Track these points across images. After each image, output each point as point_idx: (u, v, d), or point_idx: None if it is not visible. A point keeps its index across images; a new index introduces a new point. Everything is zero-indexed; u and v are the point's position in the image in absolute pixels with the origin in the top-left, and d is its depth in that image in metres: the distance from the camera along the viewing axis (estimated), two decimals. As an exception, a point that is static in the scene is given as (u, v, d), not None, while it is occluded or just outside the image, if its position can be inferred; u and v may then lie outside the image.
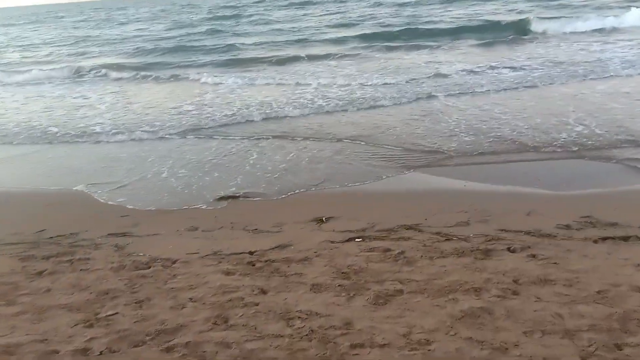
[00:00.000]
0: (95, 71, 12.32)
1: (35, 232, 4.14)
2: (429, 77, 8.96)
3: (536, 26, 13.77)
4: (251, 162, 5.55)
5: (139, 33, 22.78)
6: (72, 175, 5.53)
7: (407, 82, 8.69)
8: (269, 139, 6.31)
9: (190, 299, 2.89)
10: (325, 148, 5.81)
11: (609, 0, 18.91)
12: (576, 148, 5.20)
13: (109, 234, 4.07)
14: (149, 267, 3.38)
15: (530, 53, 10.68)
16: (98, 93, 10.15)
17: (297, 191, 4.76)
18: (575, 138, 5.44)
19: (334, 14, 26.31)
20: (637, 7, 13.75)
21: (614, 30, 12.62)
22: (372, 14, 23.48)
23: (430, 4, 27.52)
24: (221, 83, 9.93)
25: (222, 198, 4.67)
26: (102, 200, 4.78)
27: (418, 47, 12.46)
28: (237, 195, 4.73)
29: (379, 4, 29.67)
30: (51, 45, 20.97)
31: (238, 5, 42.69)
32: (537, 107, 6.71)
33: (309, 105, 7.59)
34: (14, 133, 7.35)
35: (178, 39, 19.02)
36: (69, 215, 4.51)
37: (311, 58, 11.98)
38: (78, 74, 12.28)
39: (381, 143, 5.76)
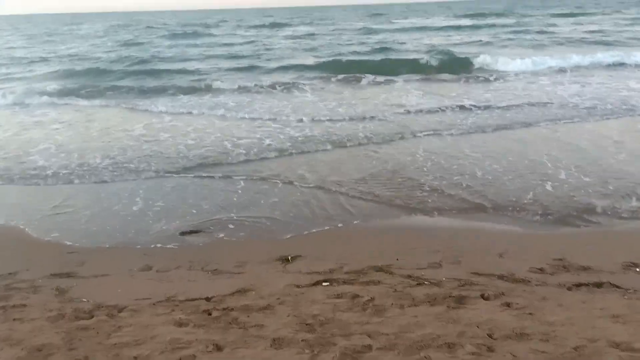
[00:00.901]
0: (39, 96, 11.26)
1: (-33, 272, 3.72)
2: (395, 113, 8.66)
3: (494, 62, 14.05)
4: (214, 198, 5.24)
5: (88, 53, 21.62)
6: (14, 209, 5.09)
7: (372, 118, 8.39)
8: (230, 177, 5.83)
9: (135, 357, 2.57)
10: (292, 189, 5.40)
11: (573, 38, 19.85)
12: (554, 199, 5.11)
13: (51, 274, 3.69)
14: (92, 317, 3.02)
15: (493, 90, 10.77)
16: (43, 121, 9.17)
17: (262, 226, 4.51)
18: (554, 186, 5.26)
19: (300, 37, 26.47)
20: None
21: (566, 69, 12.99)
22: (338, 41, 23.66)
23: (399, 32, 28.27)
24: (178, 112, 9.38)
25: (182, 233, 4.36)
26: (46, 236, 4.38)
27: (380, 81, 12.25)
28: (198, 230, 4.44)
29: (345, 30, 30.18)
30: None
31: (200, 24, 42.29)
32: (509, 149, 6.63)
33: (273, 141, 7.11)
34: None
35: (132, 60, 17.98)
36: (8, 251, 4.10)
37: (272, 87, 11.65)
38: (19, 100, 11.08)
39: (350, 187, 5.37)
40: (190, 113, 9.35)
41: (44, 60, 19.27)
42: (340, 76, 12.90)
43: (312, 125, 8.06)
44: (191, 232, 4.39)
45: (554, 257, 3.71)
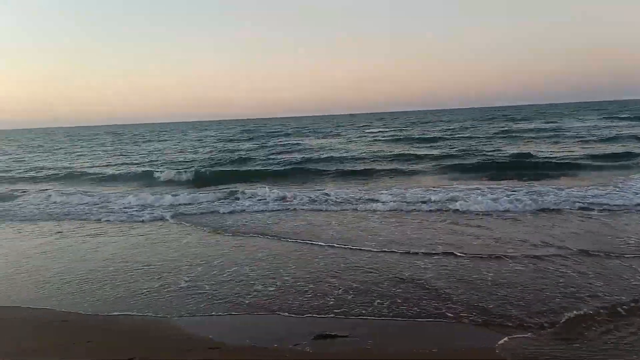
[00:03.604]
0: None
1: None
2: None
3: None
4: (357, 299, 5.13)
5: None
6: (157, 301, 5.35)
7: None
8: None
9: None
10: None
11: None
12: None
13: (195, 372, 3.66)
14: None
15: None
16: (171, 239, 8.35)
17: (406, 333, 4.21)
18: None
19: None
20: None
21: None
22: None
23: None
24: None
25: (317, 337, 4.20)
26: (194, 329, 4.49)
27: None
28: (334, 335, 4.25)
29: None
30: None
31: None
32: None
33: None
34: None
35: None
36: (157, 345, 4.18)
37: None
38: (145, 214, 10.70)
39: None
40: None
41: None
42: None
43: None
44: (327, 336, 4.22)
45: None
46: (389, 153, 21.90)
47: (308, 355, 3.94)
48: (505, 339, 4.05)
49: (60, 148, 39.77)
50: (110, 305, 5.20)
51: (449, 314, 4.58)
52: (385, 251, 6.79)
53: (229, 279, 5.91)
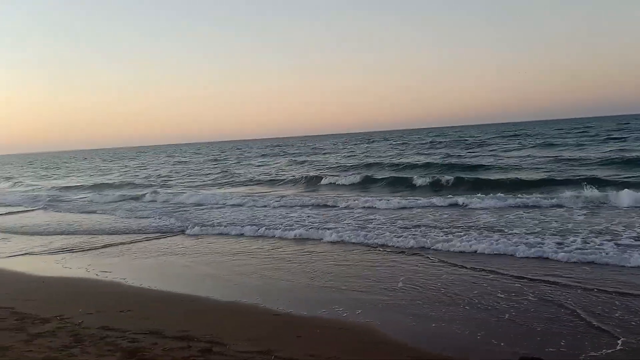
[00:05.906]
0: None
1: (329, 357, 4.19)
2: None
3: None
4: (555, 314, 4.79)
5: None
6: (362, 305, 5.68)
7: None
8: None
9: None
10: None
11: None
12: None
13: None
14: None
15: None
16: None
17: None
18: None
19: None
20: None
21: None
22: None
23: None
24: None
25: (523, 358, 3.98)
26: (391, 336, 4.68)
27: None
28: (538, 357, 3.97)
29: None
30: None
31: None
32: None
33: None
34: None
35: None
36: (357, 345, 4.50)
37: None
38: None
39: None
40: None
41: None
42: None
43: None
44: (532, 359, 3.96)
45: None
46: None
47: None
48: None
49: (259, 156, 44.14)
50: (315, 305, 5.75)
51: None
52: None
53: (439, 293, 5.98)
